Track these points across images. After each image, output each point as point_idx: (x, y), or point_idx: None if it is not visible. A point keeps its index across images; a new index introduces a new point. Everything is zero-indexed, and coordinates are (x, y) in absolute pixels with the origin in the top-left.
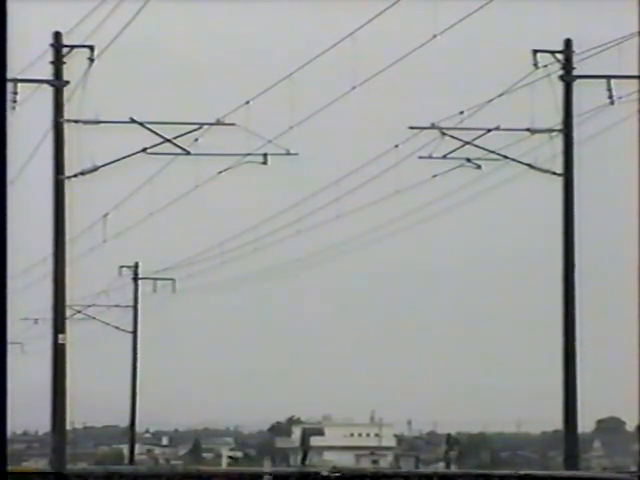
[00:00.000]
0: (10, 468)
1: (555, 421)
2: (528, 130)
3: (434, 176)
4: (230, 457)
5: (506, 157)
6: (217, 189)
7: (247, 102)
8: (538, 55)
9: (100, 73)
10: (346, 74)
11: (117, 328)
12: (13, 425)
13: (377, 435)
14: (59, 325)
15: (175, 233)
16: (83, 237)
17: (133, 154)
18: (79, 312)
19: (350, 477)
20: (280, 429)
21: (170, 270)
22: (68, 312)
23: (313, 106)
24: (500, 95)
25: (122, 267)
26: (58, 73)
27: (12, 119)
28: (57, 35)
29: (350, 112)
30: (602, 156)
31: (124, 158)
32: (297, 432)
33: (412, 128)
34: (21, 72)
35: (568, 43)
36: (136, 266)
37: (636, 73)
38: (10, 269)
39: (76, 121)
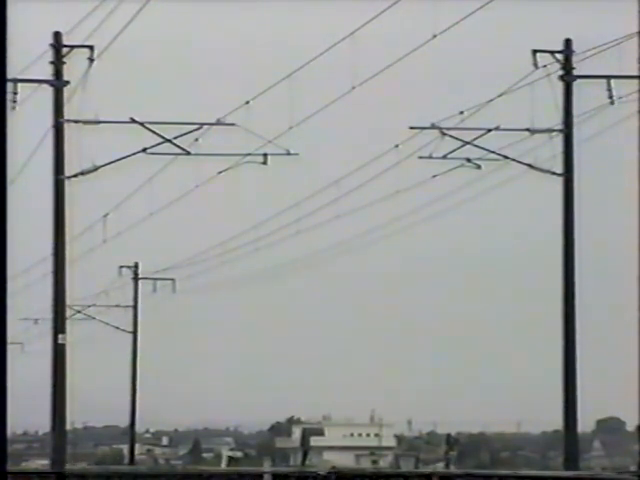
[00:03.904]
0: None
1: (555, 421)
2: (528, 130)
3: (434, 176)
4: (230, 457)
5: (506, 157)
6: (217, 189)
7: (247, 102)
8: (538, 55)
9: (100, 73)
10: (346, 74)
11: (117, 328)
12: (13, 425)
13: (377, 435)
14: (59, 325)
15: (175, 233)
16: (83, 237)
17: (133, 154)
18: (79, 312)
19: (350, 477)
20: (280, 429)
21: (170, 270)
22: (68, 312)
23: (313, 106)
24: (500, 95)
25: (122, 267)
26: (58, 73)
27: (12, 119)
28: (57, 35)
29: (350, 112)
30: (602, 156)
31: (124, 158)
32: (297, 432)
33: (412, 128)
34: (21, 72)
35: (568, 43)
36: (136, 266)
37: (636, 73)
38: (10, 269)
39: (76, 121)
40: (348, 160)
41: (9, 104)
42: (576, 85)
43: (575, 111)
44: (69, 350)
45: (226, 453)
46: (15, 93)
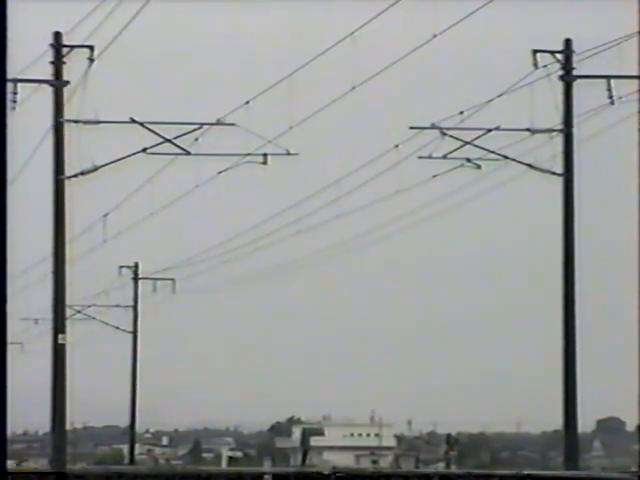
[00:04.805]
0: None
1: (555, 421)
2: (528, 130)
3: (434, 176)
4: (230, 457)
5: (506, 157)
6: (217, 189)
7: (247, 102)
8: (538, 55)
9: (100, 73)
10: (346, 74)
11: (117, 328)
12: (13, 425)
13: (377, 435)
14: (59, 325)
15: (175, 233)
16: (83, 237)
17: (133, 154)
18: (79, 312)
19: (350, 477)
20: (280, 429)
21: (170, 270)
22: (68, 312)
23: (313, 106)
24: (500, 95)
25: (122, 267)
26: (58, 73)
27: (12, 119)
28: (57, 35)
29: (350, 112)
30: (602, 156)
31: (124, 158)
32: (297, 432)
33: (412, 128)
34: (21, 72)
35: (568, 43)
36: (136, 266)
37: (636, 73)
38: (10, 269)
39: (76, 121)
40: (348, 160)
41: (9, 104)
42: (576, 85)
43: (575, 111)
44: (69, 350)
45: (226, 453)
46: (15, 93)
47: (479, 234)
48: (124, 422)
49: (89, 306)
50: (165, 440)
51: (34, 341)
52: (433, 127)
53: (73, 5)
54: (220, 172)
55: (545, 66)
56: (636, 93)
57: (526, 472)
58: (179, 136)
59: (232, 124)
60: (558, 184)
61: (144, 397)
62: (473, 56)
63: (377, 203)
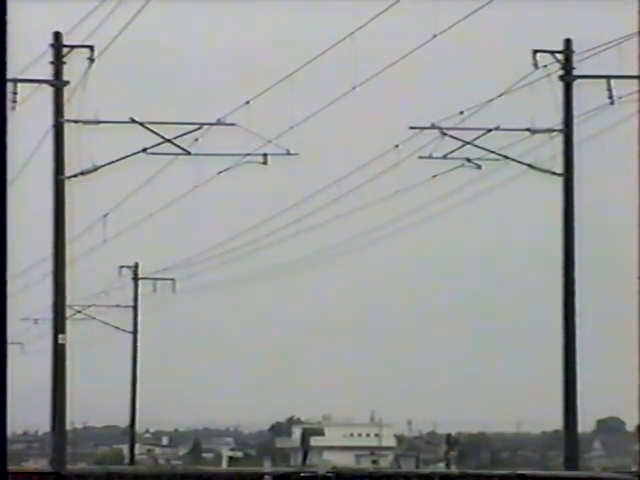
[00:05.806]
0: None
1: (555, 421)
2: (528, 130)
3: (434, 176)
4: (230, 457)
5: (506, 157)
6: (217, 189)
7: (247, 102)
8: (538, 55)
9: (100, 73)
10: (346, 74)
11: (117, 328)
12: (13, 425)
13: (377, 435)
14: (59, 325)
15: (175, 233)
16: (83, 237)
17: (133, 154)
18: (79, 312)
19: (350, 477)
20: (280, 429)
21: (170, 270)
22: (68, 312)
23: (313, 106)
24: (500, 95)
25: (122, 267)
26: (58, 73)
27: (12, 119)
28: (57, 35)
29: (350, 112)
30: (602, 156)
31: (124, 158)
32: (297, 432)
33: (412, 128)
34: (21, 72)
35: (568, 43)
36: (136, 266)
37: (636, 73)
38: (10, 269)
39: (76, 121)
40: (348, 160)
41: (9, 104)
42: (576, 85)
43: (575, 111)
44: (69, 350)
45: (226, 453)
46: (15, 93)
47: (479, 234)
48: (124, 422)
49: (89, 306)
50: (165, 440)
51: (34, 341)
52: (433, 127)
53: (73, 5)
54: (220, 172)
55: (545, 66)
56: (636, 93)
57: (525, 472)
58: (179, 136)
59: (232, 124)
60: (558, 184)
61: (144, 397)
62: (473, 56)
63: (377, 203)
